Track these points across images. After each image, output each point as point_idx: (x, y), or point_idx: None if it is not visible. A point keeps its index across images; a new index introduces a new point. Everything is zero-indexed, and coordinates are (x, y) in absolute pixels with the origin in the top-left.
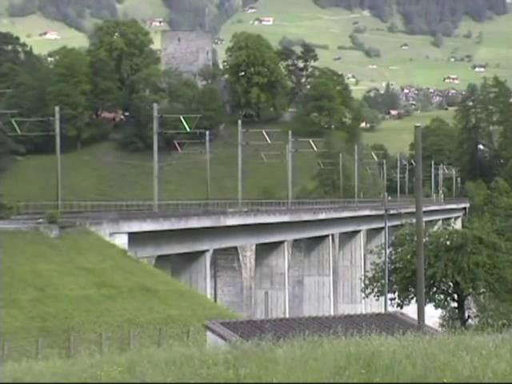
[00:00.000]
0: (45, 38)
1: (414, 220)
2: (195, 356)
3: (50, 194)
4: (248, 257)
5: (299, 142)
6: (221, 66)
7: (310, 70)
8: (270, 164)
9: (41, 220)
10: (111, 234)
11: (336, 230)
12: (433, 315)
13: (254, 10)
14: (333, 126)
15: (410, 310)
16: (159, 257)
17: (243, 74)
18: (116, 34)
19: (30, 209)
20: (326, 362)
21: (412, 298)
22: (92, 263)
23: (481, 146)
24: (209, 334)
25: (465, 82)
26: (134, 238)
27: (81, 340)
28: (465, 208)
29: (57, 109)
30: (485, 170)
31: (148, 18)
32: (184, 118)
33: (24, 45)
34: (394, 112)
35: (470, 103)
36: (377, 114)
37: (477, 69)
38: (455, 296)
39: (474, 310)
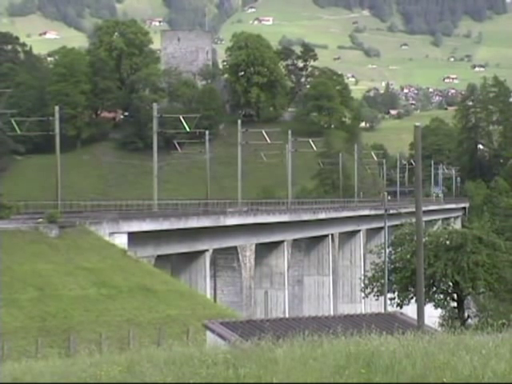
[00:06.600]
0: (44, 37)
1: (414, 220)
2: (195, 356)
3: (50, 194)
4: (248, 256)
5: (299, 142)
6: (220, 66)
7: (309, 69)
8: (269, 164)
9: (40, 220)
10: (111, 234)
11: (336, 230)
12: (432, 315)
13: (253, 10)
14: (332, 126)
15: (410, 309)
16: (159, 256)
17: (243, 73)
18: (116, 33)
19: (30, 208)
20: (326, 361)
21: (412, 297)
22: (91, 263)
23: (480, 146)
24: (208, 333)
25: (464, 82)
26: (133, 237)
27: (80, 340)
28: (464, 208)
29: (56, 108)
30: (484, 169)
31: (147, 18)
32: (184, 117)
33: (24, 44)
34: (393, 112)
35: (470, 103)
36: (376, 113)
37: (476, 68)
38: (455, 296)
39: (474, 310)
